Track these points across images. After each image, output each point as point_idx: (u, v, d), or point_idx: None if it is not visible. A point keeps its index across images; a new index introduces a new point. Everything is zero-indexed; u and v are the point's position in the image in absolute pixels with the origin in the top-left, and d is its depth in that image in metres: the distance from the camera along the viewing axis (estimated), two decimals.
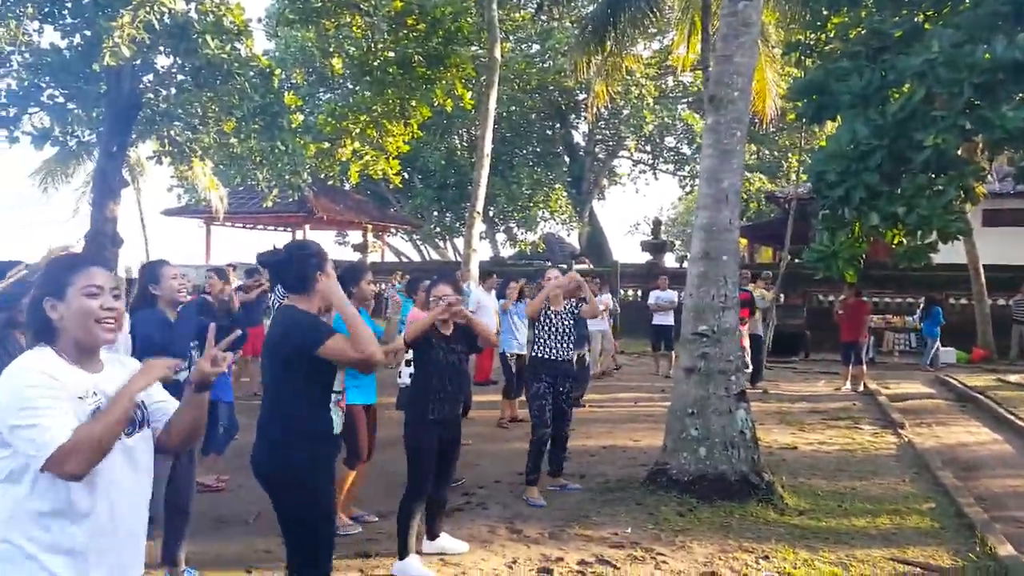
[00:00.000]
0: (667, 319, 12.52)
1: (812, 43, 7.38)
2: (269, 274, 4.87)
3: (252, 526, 4.97)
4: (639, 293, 20.17)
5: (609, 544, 4.81)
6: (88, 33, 12.81)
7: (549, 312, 5.75)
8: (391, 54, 14.88)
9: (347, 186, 24.08)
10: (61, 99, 14.25)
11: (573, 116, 27.72)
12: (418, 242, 30.85)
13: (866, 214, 5.07)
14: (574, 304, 5.91)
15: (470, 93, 15.47)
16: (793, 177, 19.87)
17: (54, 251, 4.42)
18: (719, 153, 6.05)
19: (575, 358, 6.08)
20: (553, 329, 5.74)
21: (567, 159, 27.89)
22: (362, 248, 25.14)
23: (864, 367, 11.88)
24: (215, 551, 4.48)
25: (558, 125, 27.45)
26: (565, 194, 26.58)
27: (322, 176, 17.18)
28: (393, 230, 28.22)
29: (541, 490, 5.73)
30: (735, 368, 6.05)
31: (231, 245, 33.63)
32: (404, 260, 30.15)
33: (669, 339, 12.07)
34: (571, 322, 5.85)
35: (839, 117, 5.61)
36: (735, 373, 6.04)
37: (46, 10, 12.87)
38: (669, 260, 24.28)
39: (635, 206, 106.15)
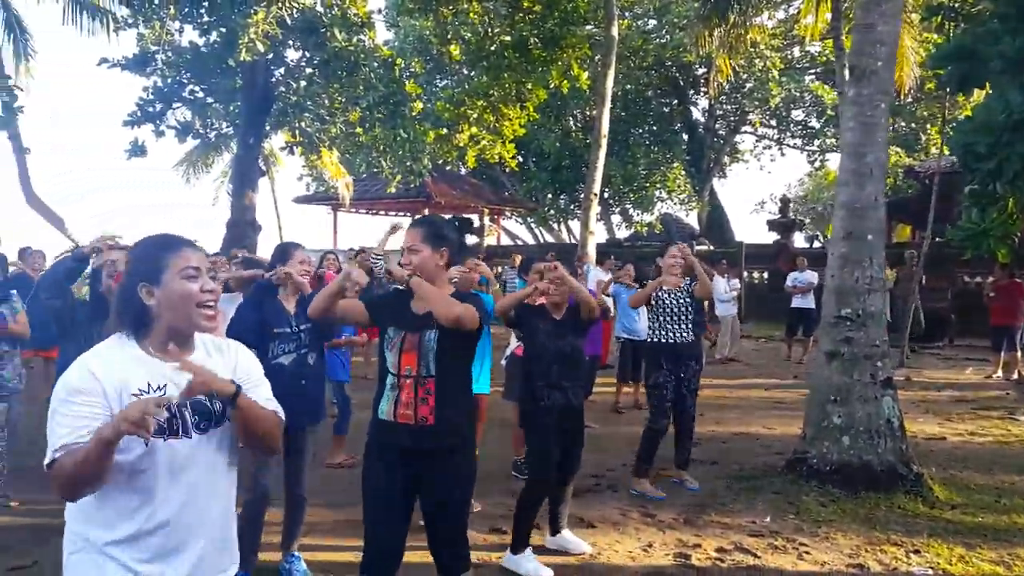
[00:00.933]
0: (807, 302, 11.93)
1: (955, 5, 6.86)
2: None
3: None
4: (765, 275, 19.47)
5: (748, 532, 4.68)
6: (224, 30, 13.52)
7: (662, 293, 5.38)
8: (507, 38, 14.92)
9: (463, 170, 24.47)
10: (201, 94, 15.17)
11: (692, 92, 26.96)
12: (533, 225, 30.96)
13: (1021, 189, 4.65)
14: (689, 282, 5.46)
15: (586, 73, 15.29)
16: (934, 150, 18.56)
17: (105, 238, 4.61)
18: (861, 126, 5.70)
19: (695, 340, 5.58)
20: (668, 311, 5.37)
21: (685, 137, 27.16)
22: (478, 232, 25.50)
23: (1019, 353, 10.99)
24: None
25: (676, 102, 26.75)
26: (683, 173, 25.96)
27: (440, 161, 17.50)
28: (508, 213, 28.43)
29: (656, 481, 5.50)
30: (881, 353, 5.72)
31: (356, 230, 34.76)
32: (519, 243, 30.36)
33: (809, 324, 11.53)
34: (687, 301, 5.41)
35: (988, 85, 5.15)
36: (881, 359, 5.71)
37: (186, 10, 13.66)
38: (799, 240, 23.34)
39: (759, 184, 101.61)
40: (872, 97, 5.65)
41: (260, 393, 1.93)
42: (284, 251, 3.96)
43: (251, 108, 14.24)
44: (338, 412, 6.10)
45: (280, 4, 10.56)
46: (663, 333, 5.40)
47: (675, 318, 5.40)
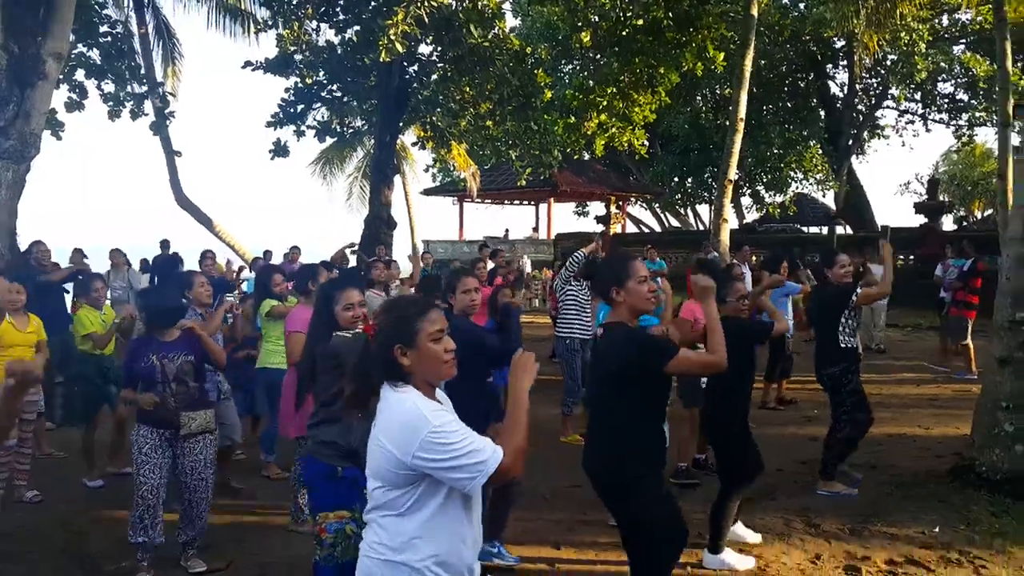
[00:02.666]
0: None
1: None
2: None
3: (550, 501, 5.21)
4: (910, 259, 18.36)
5: (918, 544, 4.45)
6: (359, 28, 14.02)
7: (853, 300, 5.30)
8: (640, 21, 14.64)
9: (586, 157, 24.35)
10: (339, 94, 15.83)
11: (830, 66, 25.59)
12: (658, 210, 30.43)
13: None
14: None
15: (723, 55, 14.80)
16: None
17: (343, 251, 4.89)
18: None
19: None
20: (853, 320, 5.34)
21: (822, 113, 25.85)
22: (605, 220, 25.34)
23: None
24: (521, 526, 4.76)
25: (812, 76, 25.47)
26: (820, 151, 24.72)
27: (567, 151, 17.49)
28: (634, 200, 28.09)
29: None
30: None
31: (481, 221, 35.43)
32: (645, 230, 29.95)
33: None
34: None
35: None
36: None
37: (323, 9, 14.25)
38: (947, 223, 21.85)
39: (901, 162, 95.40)
40: None
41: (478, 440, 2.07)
42: (451, 281, 4.08)
43: (387, 106, 14.73)
44: None
45: (419, 3, 10.83)
46: (851, 340, 5.34)
47: (855, 324, 5.40)
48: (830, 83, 26.20)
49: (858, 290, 5.24)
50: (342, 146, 23.56)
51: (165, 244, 12.99)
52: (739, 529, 4.48)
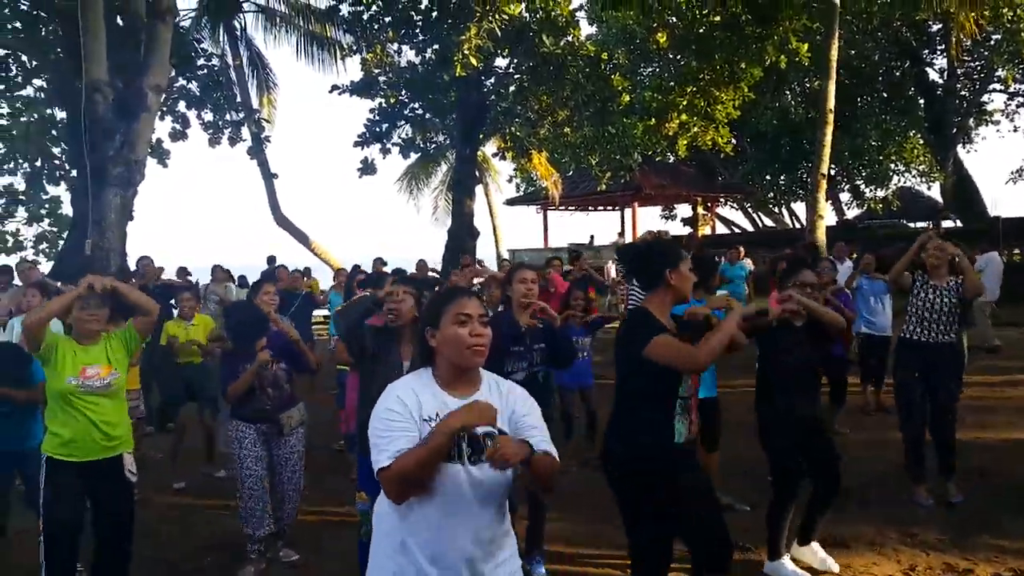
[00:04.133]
0: None
1: None
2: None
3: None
4: None
5: None
6: (437, 47, 14.32)
7: (927, 286, 5.02)
8: (717, 18, 14.34)
9: (671, 159, 23.93)
10: (420, 111, 16.17)
11: (927, 52, 24.29)
12: (750, 210, 29.57)
13: None
14: (958, 280, 5.01)
15: (806, 45, 14.29)
16: None
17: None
18: None
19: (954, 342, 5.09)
20: (929, 307, 4.99)
21: (922, 102, 24.52)
22: (692, 222, 24.82)
23: None
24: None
25: (908, 64, 24.23)
26: (922, 141, 23.44)
27: (648, 152, 17.25)
28: (723, 200, 27.41)
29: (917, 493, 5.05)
30: None
31: (567, 228, 35.41)
32: (737, 231, 29.17)
33: None
34: (954, 301, 4.96)
35: None
36: None
37: (403, 31, 14.62)
38: None
39: (1013, 149, 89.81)
40: None
41: (536, 436, 2.07)
42: (510, 273, 4.04)
43: (466, 120, 14.95)
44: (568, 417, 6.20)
45: (491, 18, 10.95)
46: (917, 330, 5.02)
47: (934, 316, 5.00)
48: (928, 70, 24.84)
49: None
50: (426, 161, 24.06)
51: (272, 260, 13.67)
52: (814, 552, 4.14)
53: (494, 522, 2.07)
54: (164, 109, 16.84)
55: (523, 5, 12.92)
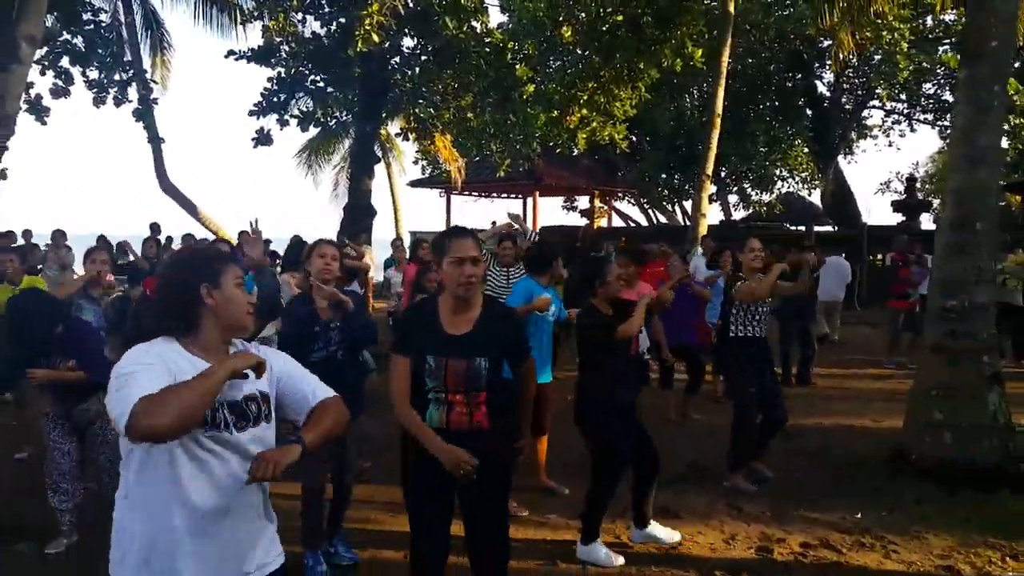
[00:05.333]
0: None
1: None
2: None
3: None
4: (889, 259, 18.53)
5: (837, 529, 4.61)
6: (343, 21, 14.10)
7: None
8: (620, 17, 14.75)
9: (575, 152, 24.46)
10: (321, 84, 15.89)
11: (816, 65, 25.70)
12: (646, 206, 30.56)
13: None
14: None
15: (700, 51, 14.91)
16: None
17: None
18: (974, 109, 5.39)
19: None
20: (753, 306, 5.37)
21: (808, 112, 25.97)
22: (588, 214, 25.47)
23: None
24: None
25: (799, 76, 25.59)
26: (806, 150, 24.84)
27: (551, 144, 17.58)
28: (620, 195, 28.19)
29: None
30: (988, 347, 5.43)
31: (468, 213, 35.42)
32: (632, 225, 30.07)
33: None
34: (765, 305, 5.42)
35: None
36: (988, 353, 5.42)
37: (308, 1, 14.34)
38: (926, 222, 21.99)
39: (888, 162, 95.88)
40: (986, 79, 5.32)
41: (309, 382, 2.12)
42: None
43: (368, 97, 14.82)
44: None
45: None
46: (745, 328, 5.37)
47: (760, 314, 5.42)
48: (817, 82, 26.31)
49: (738, 284, 5.34)
50: (327, 137, 23.64)
51: (155, 228, 13.21)
52: (656, 530, 4.42)
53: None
54: (45, 64, 15.91)
55: None
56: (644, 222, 30.40)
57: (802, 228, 26.82)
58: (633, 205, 31.00)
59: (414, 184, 25.45)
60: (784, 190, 26.47)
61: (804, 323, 9.16)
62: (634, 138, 21.97)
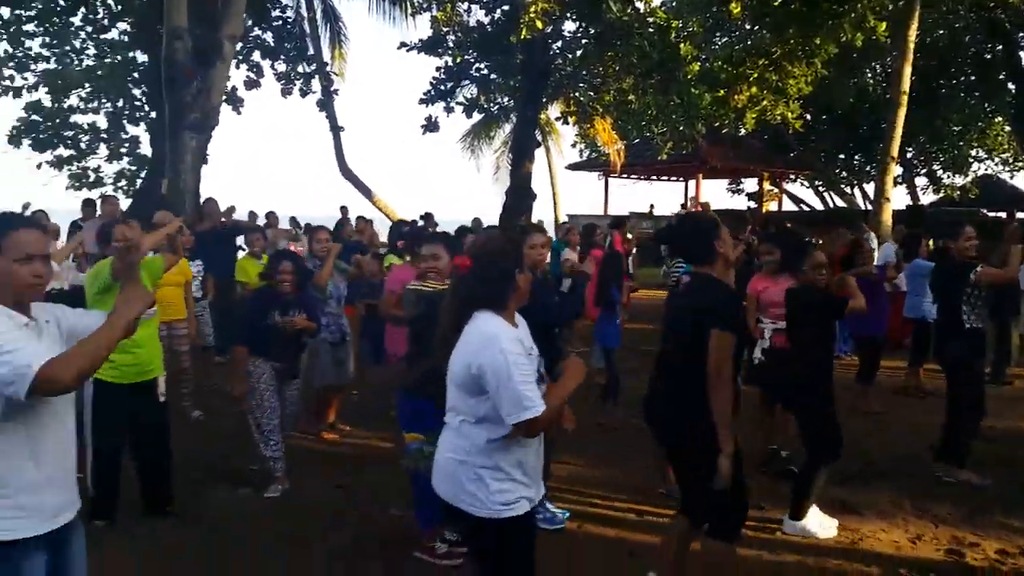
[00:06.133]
0: None
1: None
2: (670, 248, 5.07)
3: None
4: None
5: None
6: (507, 8, 14.35)
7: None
8: None
9: (742, 132, 23.47)
10: (485, 71, 16.28)
11: (1021, 34, 23.08)
12: (821, 188, 28.86)
13: None
14: None
15: (884, 24, 13.83)
16: None
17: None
18: None
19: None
20: (977, 298, 4.95)
21: (1011, 86, 23.39)
22: (758, 197, 24.41)
23: None
24: (616, 478, 4.90)
25: (999, 47, 23.09)
26: (1007, 128, 22.43)
27: (716, 124, 17.00)
28: (792, 176, 26.80)
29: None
30: None
31: (628, 196, 35.05)
32: (806, 209, 28.55)
33: None
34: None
35: None
36: None
37: None
38: None
39: None
40: None
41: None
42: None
43: (530, 82, 15.00)
44: (608, 378, 6.36)
45: None
46: (975, 319, 4.98)
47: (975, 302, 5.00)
48: (1022, 54, 23.62)
49: (978, 267, 4.87)
50: (489, 122, 24.14)
51: (344, 210, 14.16)
52: (812, 520, 4.20)
53: None
54: (240, 58, 17.33)
55: None
56: (819, 205, 28.76)
57: (1002, 215, 24.34)
58: (807, 187, 29.39)
59: (572, 167, 25.48)
60: (981, 172, 24.08)
61: (1004, 316, 8.30)
62: (808, 116, 20.75)
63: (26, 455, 2.01)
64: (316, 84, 18.91)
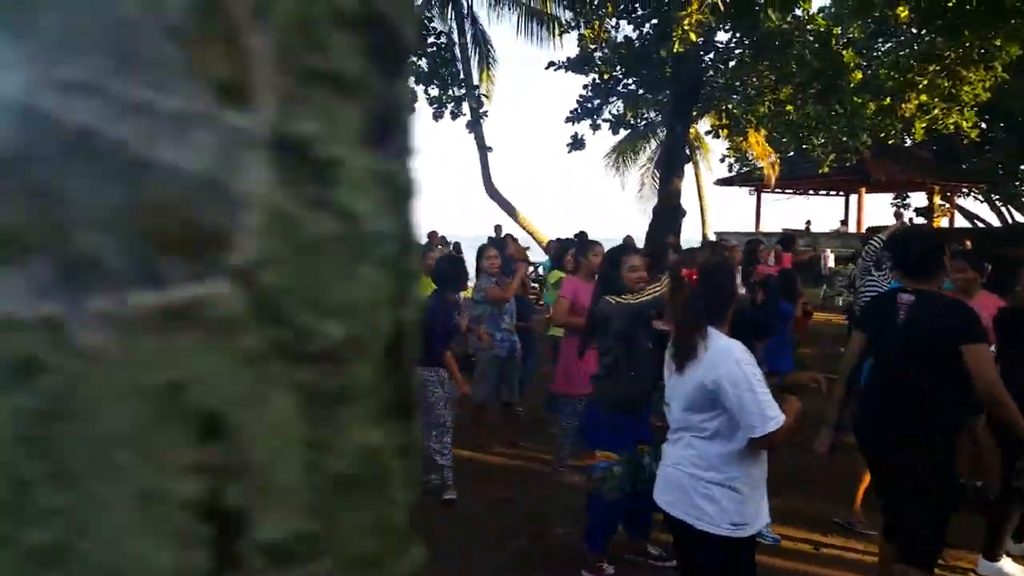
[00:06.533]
0: None
1: None
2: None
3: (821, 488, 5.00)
4: None
5: None
6: (655, 22, 14.20)
7: None
8: None
9: (908, 143, 21.97)
10: (633, 87, 16.16)
11: None
12: (999, 203, 26.49)
13: None
14: None
15: None
16: None
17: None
18: None
19: None
20: None
21: None
22: (926, 212, 22.76)
23: None
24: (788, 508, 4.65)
25: None
26: None
27: (881, 135, 16.04)
28: (965, 190, 24.80)
29: None
30: None
31: (781, 213, 33.63)
32: (980, 225, 26.31)
33: None
34: None
35: None
36: None
37: (622, 6, 14.66)
38: None
39: None
40: None
41: None
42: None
43: (679, 95, 14.73)
44: None
45: None
46: None
47: None
48: None
49: None
50: (635, 138, 23.94)
51: (498, 228, 14.55)
52: (1010, 564, 3.86)
53: None
54: None
55: None
56: (996, 221, 26.42)
57: None
58: (981, 202, 27.08)
59: (721, 183, 24.81)
60: None
61: None
62: (984, 125, 19.15)
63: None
64: (466, 107, 19.49)
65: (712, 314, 2.40)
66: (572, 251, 6.02)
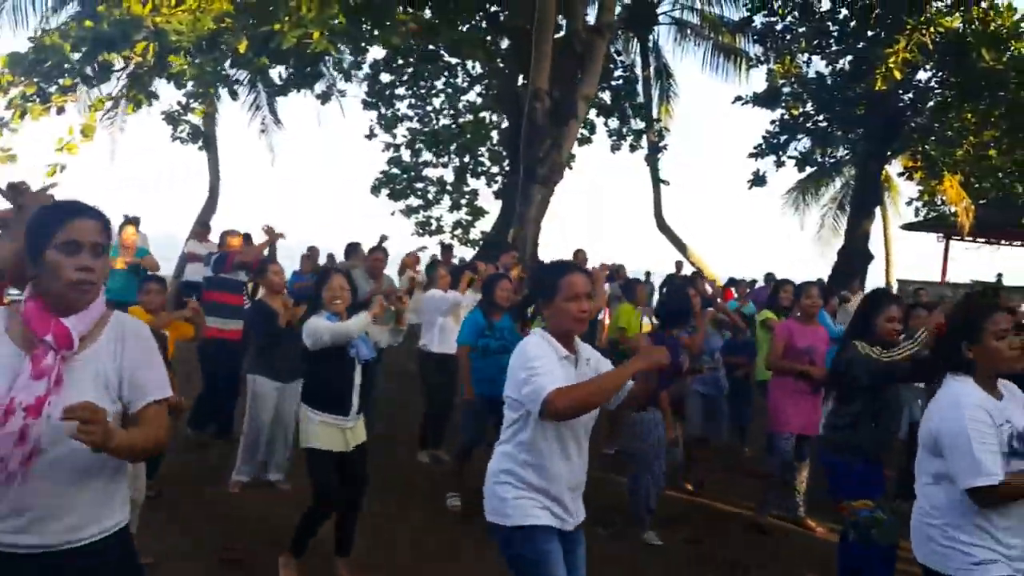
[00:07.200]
0: None
1: None
2: None
3: None
4: None
5: None
6: (851, 58, 13.87)
7: None
8: None
9: None
10: (823, 123, 15.81)
11: None
12: None
13: None
14: None
15: None
16: None
17: None
18: None
19: None
20: None
21: None
22: None
23: None
24: None
25: None
26: None
27: None
28: None
29: None
30: None
31: (972, 262, 31.13)
32: None
33: None
34: None
35: None
36: None
37: (816, 42, 14.45)
38: None
39: None
40: None
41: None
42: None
43: (874, 134, 14.29)
44: None
45: (923, 30, 10.44)
46: None
47: None
48: None
49: None
50: (819, 177, 23.10)
51: (679, 265, 14.59)
52: None
53: None
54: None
55: (960, 17, 11.98)
56: None
57: None
58: None
59: (908, 227, 23.44)
60: None
61: None
62: None
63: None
64: (644, 140, 19.68)
65: (949, 364, 2.47)
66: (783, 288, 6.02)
